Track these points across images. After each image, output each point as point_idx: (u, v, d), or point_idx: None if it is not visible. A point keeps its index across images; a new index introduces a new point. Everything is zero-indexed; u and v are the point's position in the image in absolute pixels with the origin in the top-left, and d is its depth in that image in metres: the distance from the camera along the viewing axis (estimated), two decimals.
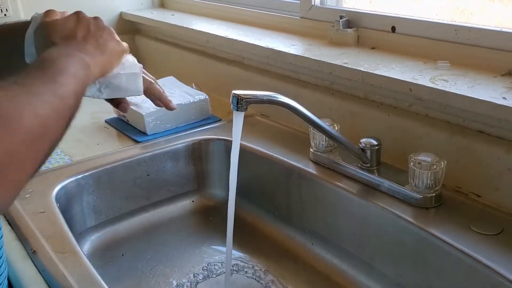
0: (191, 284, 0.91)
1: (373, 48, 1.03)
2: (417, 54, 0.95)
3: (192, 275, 0.93)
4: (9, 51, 0.67)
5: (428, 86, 0.80)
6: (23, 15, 1.45)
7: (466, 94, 0.76)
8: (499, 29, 0.84)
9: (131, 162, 1.01)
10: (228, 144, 1.05)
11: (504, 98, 0.73)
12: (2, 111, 0.45)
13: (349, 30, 1.05)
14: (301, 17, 1.20)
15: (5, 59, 0.68)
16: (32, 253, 0.73)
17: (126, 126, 1.15)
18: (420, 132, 0.86)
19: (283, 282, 0.90)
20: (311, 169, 0.93)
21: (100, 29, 0.65)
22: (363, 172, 0.86)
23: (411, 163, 0.78)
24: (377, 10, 1.06)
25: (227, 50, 1.28)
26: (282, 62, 1.10)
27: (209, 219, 1.07)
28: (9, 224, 0.81)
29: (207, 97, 1.17)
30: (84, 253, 0.74)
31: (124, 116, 1.17)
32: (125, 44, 0.69)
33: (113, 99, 0.72)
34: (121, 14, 1.66)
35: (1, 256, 0.67)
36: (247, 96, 0.74)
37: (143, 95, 0.77)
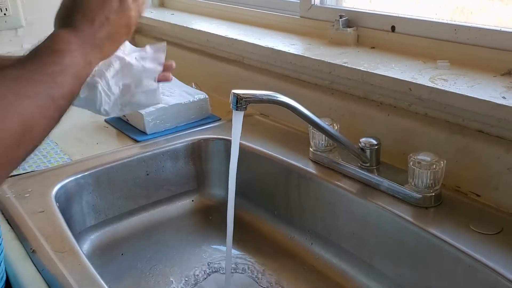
0: (191, 284, 0.91)
1: (373, 47, 1.03)
2: (417, 53, 0.95)
3: (191, 275, 0.93)
4: None
5: (427, 86, 0.80)
6: (23, 15, 1.45)
7: (466, 94, 0.76)
8: (498, 28, 0.84)
9: (131, 161, 1.01)
10: (227, 144, 1.05)
11: (504, 97, 0.73)
12: None
13: (348, 29, 1.05)
14: (300, 17, 1.20)
15: None
16: (31, 253, 0.73)
17: (125, 126, 1.15)
18: (420, 131, 0.86)
19: (282, 281, 0.90)
20: (310, 168, 0.93)
21: (121, 14, 0.60)
22: (362, 172, 0.86)
23: (411, 163, 0.78)
24: (376, 9, 1.06)
25: (227, 49, 1.28)
26: (281, 62, 1.10)
27: (209, 218, 1.07)
28: (8, 223, 0.81)
29: (206, 96, 1.17)
30: (83, 253, 0.74)
31: (124, 116, 1.17)
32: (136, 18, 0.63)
33: None
34: None
35: (0, 254, 0.67)
36: (247, 96, 0.74)
37: None
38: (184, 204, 1.09)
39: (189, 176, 1.09)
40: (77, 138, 1.10)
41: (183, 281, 0.91)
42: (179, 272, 0.93)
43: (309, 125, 0.89)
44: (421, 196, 0.78)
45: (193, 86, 1.24)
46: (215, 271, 0.94)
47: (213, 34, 1.29)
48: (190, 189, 1.09)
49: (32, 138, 0.49)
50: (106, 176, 0.98)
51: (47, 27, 0.75)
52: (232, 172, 0.77)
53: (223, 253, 0.98)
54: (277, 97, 0.76)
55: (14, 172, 0.93)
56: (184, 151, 1.07)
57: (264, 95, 0.76)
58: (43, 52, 0.53)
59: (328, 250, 0.91)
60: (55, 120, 0.52)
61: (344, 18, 1.06)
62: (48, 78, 0.51)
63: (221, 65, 1.31)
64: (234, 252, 0.96)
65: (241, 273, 0.93)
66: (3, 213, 0.83)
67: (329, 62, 0.96)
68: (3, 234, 0.77)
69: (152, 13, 1.60)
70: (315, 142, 0.94)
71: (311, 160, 0.95)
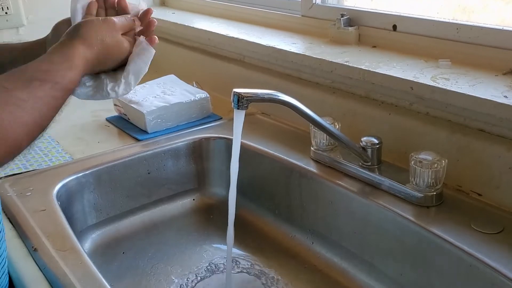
0: (192, 282, 0.91)
1: (374, 46, 1.03)
2: (418, 52, 0.95)
3: (192, 273, 0.93)
4: None
5: (429, 85, 0.80)
6: (24, 14, 1.45)
7: (467, 93, 0.76)
8: (500, 27, 0.84)
9: (132, 160, 1.01)
10: (228, 143, 1.05)
11: (506, 96, 0.73)
12: None
13: (350, 28, 1.05)
14: (302, 16, 1.20)
15: None
16: (33, 251, 0.73)
17: (127, 124, 1.15)
18: (421, 130, 0.86)
19: (283, 280, 0.90)
20: (311, 167, 0.93)
21: (112, 34, 0.68)
22: (364, 171, 0.86)
23: (412, 162, 0.78)
24: (378, 8, 1.06)
25: (228, 48, 1.28)
26: (283, 61, 1.10)
27: (210, 217, 1.07)
28: (10, 222, 0.81)
29: (208, 95, 1.17)
30: (85, 251, 0.74)
31: (125, 114, 1.17)
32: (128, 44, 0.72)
33: None
34: None
35: (2, 253, 0.67)
36: (248, 95, 0.74)
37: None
38: (185, 203, 1.09)
39: (190, 175, 1.09)
40: (79, 137, 1.10)
41: (184, 280, 0.91)
42: (180, 271, 0.93)
43: (311, 124, 0.89)
44: (422, 195, 0.78)
45: (194, 85, 1.24)
46: (216, 270, 0.94)
47: (214, 33, 1.29)
48: (191, 188, 1.09)
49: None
50: (108, 175, 0.98)
51: (48, 26, 0.75)
52: (233, 171, 0.77)
53: (224, 252, 0.98)
54: (278, 96, 0.76)
55: (16, 171, 0.94)
56: (185, 150, 1.07)
57: (266, 94, 0.76)
58: (39, 65, 0.59)
59: (329, 249, 0.92)
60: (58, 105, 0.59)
61: (346, 17, 1.05)
62: (37, 85, 0.57)
63: (222, 64, 1.31)
64: (235, 251, 0.97)
65: (242, 272, 0.93)
66: (5, 212, 0.83)
67: (331, 61, 0.96)
68: (5, 233, 0.77)
69: (153, 12, 1.60)
70: (316, 141, 0.94)
71: (312, 159, 0.95)
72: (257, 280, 0.91)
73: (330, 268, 0.90)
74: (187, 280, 0.91)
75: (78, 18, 0.71)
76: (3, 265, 0.69)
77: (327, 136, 0.91)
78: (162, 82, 1.25)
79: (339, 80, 1.00)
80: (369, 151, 0.85)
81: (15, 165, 0.96)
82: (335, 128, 0.85)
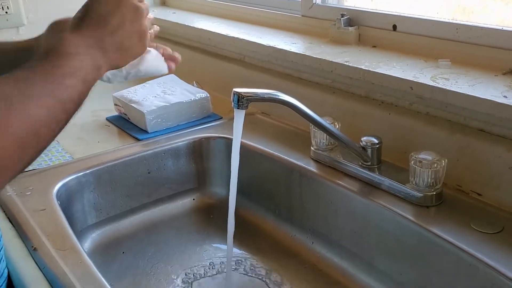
0: (191, 282, 0.91)
1: (374, 46, 1.03)
2: (418, 52, 0.95)
3: (192, 273, 0.93)
4: None
5: (429, 85, 0.80)
6: (24, 13, 1.45)
7: (467, 93, 0.76)
8: (500, 27, 0.84)
9: (132, 160, 1.01)
10: (229, 142, 1.05)
11: (505, 96, 0.73)
12: None
13: (350, 28, 1.05)
14: (302, 16, 1.20)
15: None
16: (33, 251, 0.73)
17: (127, 124, 1.15)
18: (421, 130, 0.86)
19: (283, 280, 0.90)
20: (311, 167, 0.93)
21: (136, 23, 0.60)
22: (363, 171, 0.86)
23: (412, 162, 0.78)
24: (378, 8, 1.06)
25: (228, 48, 1.28)
26: (283, 61, 1.10)
27: (210, 217, 1.07)
28: (10, 221, 0.81)
29: (208, 95, 1.17)
30: (85, 251, 0.74)
31: (125, 114, 1.17)
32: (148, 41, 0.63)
33: None
34: None
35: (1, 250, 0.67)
36: (248, 94, 0.74)
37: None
38: (185, 202, 1.09)
39: (190, 175, 1.09)
40: (79, 137, 1.11)
41: (184, 280, 0.91)
42: (180, 271, 0.93)
43: (311, 124, 0.89)
44: (422, 195, 0.78)
45: (195, 84, 1.24)
46: (216, 270, 0.94)
47: (214, 32, 1.29)
48: (191, 187, 1.09)
49: (39, 141, 0.49)
50: (108, 174, 0.98)
51: None
52: (234, 171, 0.77)
53: (224, 251, 0.98)
54: (278, 95, 0.76)
55: (14, 177, 0.94)
56: (186, 149, 1.07)
57: (266, 93, 0.76)
58: (52, 55, 0.53)
59: (329, 249, 0.92)
60: (63, 123, 0.52)
61: (346, 17, 1.06)
62: (56, 80, 0.51)
63: (222, 63, 1.31)
64: (235, 250, 0.97)
65: (242, 271, 0.93)
66: (4, 211, 0.83)
67: (331, 61, 0.96)
68: (5, 233, 0.77)
69: (153, 12, 1.60)
70: (316, 141, 0.94)
71: (312, 159, 0.95)
72: (257, 279, 0.91)
73: (330, 268, 0.90)
74: (187, 279, 0.91)
75: None
76: (1, 265, 0.69)
77: (327, 136, 0.91)
78: (162, 81, 1.25)
79: (339, 80, 1.00)
80: (369, 151, 0.85)
81: None
82: (335, 128, 0.85)
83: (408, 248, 0.77)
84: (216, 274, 0.93)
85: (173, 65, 0.75)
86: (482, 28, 0.86)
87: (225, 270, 0.93)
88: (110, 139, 1.10)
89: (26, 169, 0.95)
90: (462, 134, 0.81)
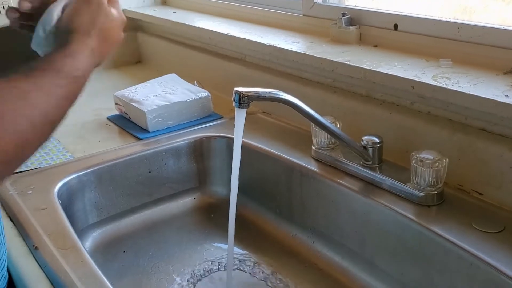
0: (192, 281, 0.91)
1: (375, 45, 1.03)
2: (419, 52, 0.95)
3: (193, 272, 0.93)
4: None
5: (430, 84, 0.80)
6: None
7: (469, 92, 0.76)
8: (501, 27, 0.84)
9: (133, 159, 1.01)
10: (230, 142, 1.05)
11: (507, 96, 0.73)
12: None
13: (351, 27, 1.05)
14: (303, 15, 1.20)
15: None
16: (34, 249, 0.73)
17: (128, 123, 1.15)
18: (422, 129, 0.86)
19: (284, 279, 0.90)
20: (313, 166, 0.93)
21: (114, 18, 0.68)
22: (365, 170, 0.86)
23: (413, 161, 0.78)
24: (379, 7, 1.06)
25: (229, 47, 1.28)
26: (284, 60, 1.10)
27: (211, 216, 1.07)
28: (11, 220, 0.81)
29: (209, 94, 1.17)
30: (86, 250, 0.74)
31: (126, 113, 1.17)
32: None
33: None
34: (123, 11, 1.65)
35: (1, 256, 0.67)
36: (249, 93, 0.74)
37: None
38: (186, 202, 1.09)
39: (191, 174, 1.09)
40: (80, 136, 1.11)
41: (185, 279, 0.91)
42: (180, 270, 0.93)
43: (312, 123, 0.89)
44: (423, 194, 0.78)
45: (196, 84, 1.24)
46: (217, 269, 0.94)
47: (215, 32, 1.29)
48: (192, 187, 1.09)
49: (36, 135, 0.52)
50: (109, 173, 0.98)
51: None
52: (235, 170, 0.77)
53: (224, 251, 0.98)
54: (279, 95, 0.76)
55: (17, 169, 0.94)
56: (186, 149, 1.07)
57: (267, 92, 0.76)
58: (48, 61, 0.57)
59: (330, 248, 0.92)
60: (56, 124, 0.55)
61: (347, 16, 1.05)
62: (49, 81, 0.54)
63: (223, 63, 1.31)
64: (236, 250, 0.97)
65: (243, 271, 0.93)
66: (5, 210, 0.83)
67: (332, 60, 0.96)
68: (6, 231, 0.77)
69: (154, 11, 1.60)
70: (317, 140, 0.94)
71: (313, 158, 0.95)
72: (258, 279, 0.91)
73: (331, 267, 0.90)
74: (187, 278, 0.91)
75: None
76: (3, 264, 0.69)
77: (328, 135, 0.91)
78: (163, 81, 1.25)
79: (340, 79, 1.00)
80: (370, 150, 0.85)
81: None
82: (336, 127, 0.85)
83: (409, 248, 0.77)
84: (216, 273, 0.93)
85: None
86: (483, 28, 0.86)
87: (225, 269, 0.93)
88: (111, 138, 1.10)
89: (27, 168, 0.96)
90: (464, 134, 0.81)
